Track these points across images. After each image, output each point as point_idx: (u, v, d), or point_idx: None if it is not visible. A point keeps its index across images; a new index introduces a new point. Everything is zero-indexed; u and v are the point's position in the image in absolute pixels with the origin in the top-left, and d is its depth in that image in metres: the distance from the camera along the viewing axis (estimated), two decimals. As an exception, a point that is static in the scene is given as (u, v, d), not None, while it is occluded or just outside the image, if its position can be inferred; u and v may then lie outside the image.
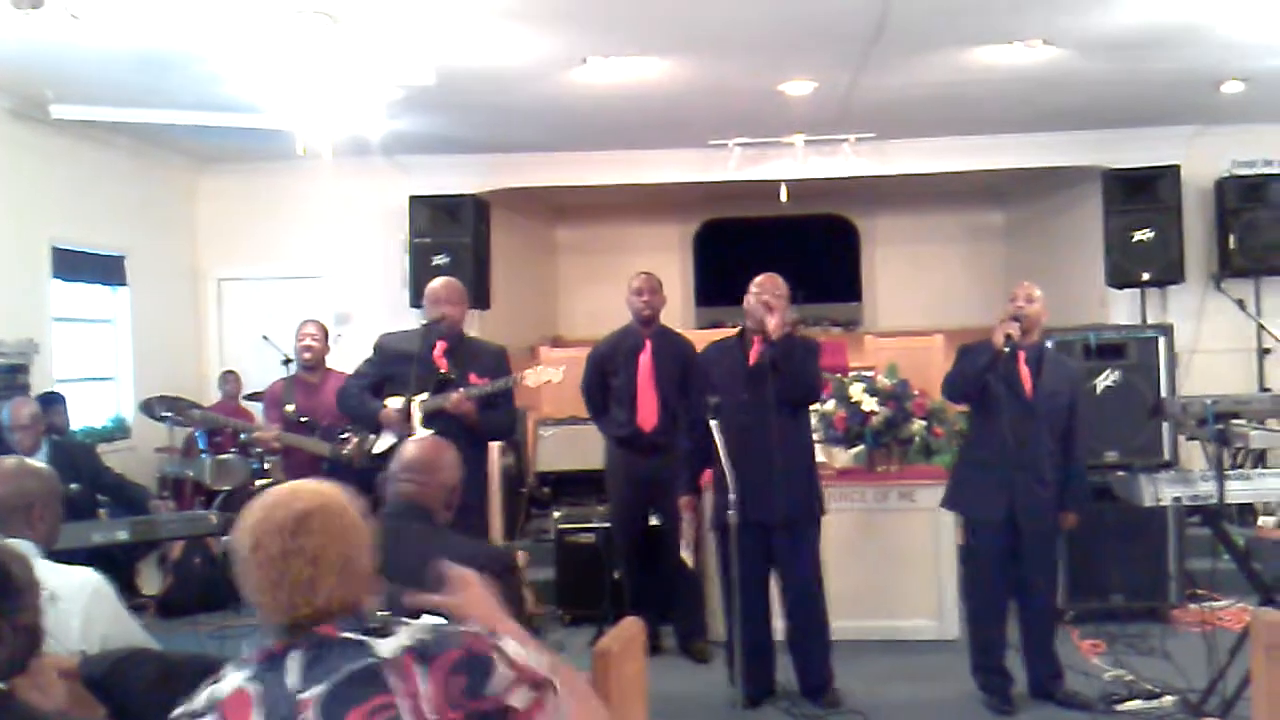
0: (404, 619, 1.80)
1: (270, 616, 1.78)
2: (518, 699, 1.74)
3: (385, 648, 1.73)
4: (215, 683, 1.78)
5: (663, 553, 5.79)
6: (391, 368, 4.98)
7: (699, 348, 5.83)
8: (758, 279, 4.98)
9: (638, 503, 5.78)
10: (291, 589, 1.75)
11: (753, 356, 4.90)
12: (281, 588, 1.75)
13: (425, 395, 4.82)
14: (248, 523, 1.81)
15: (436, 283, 5.13)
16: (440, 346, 4.96)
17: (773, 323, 4.78)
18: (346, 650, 1.72)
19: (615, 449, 5.84)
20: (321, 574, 1.75)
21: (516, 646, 1.79)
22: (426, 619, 1.81)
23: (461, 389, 4.78)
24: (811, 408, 5.33)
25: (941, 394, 5.30)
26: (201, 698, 1.77)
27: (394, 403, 4.86)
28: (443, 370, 4.90)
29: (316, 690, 1.69)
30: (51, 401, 6.65)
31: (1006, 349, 4.65)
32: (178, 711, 1.79)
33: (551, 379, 4.90)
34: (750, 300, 4.93)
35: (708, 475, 5.19)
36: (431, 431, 4.61)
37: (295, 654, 1.73)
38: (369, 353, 5.30)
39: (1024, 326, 4.73)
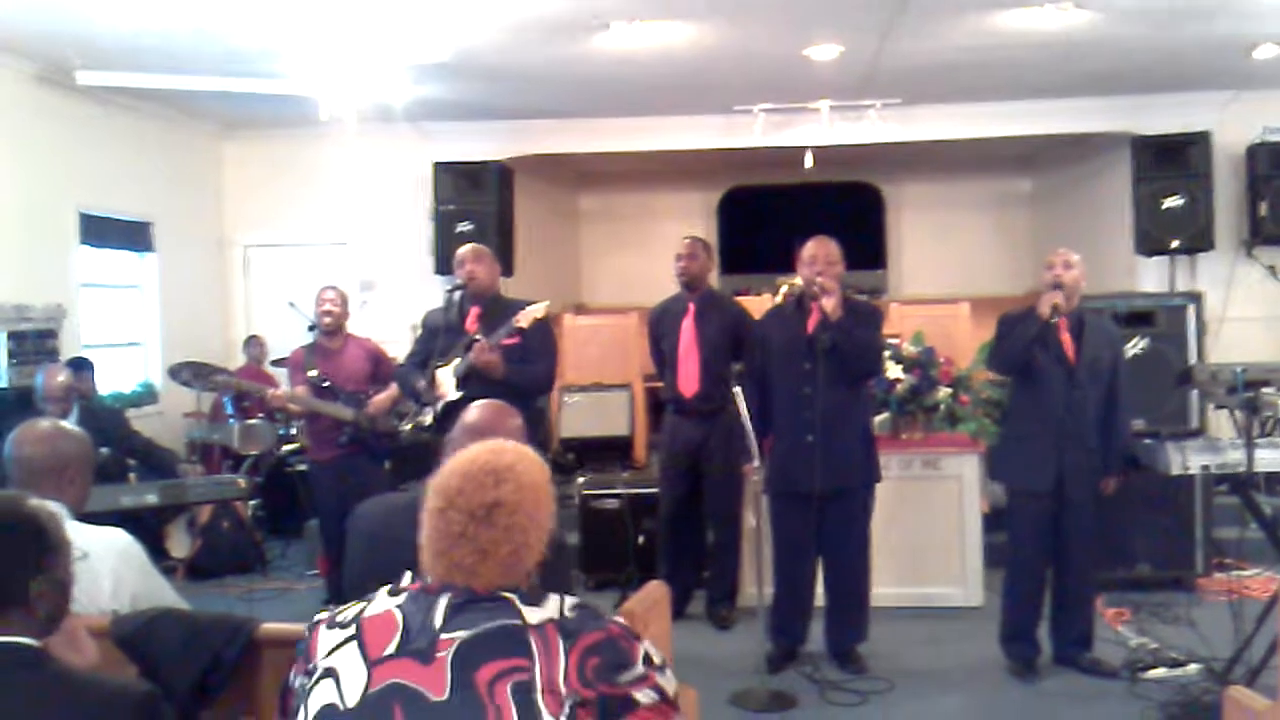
0: (554, 593, 1.83)
1: (425, 566, 1.82)
2: (644, 695, 1.77)
3: (533, 614, 1.76)
4: (369, 601, 1.83)
5: (700, 518, 5.83)
6: (435, 342, 4.99)
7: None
8: (809, 249, 4.87)
9: (680, 467, 5.79)
10: (452, 565, 1.79)
11: (810, 325, 4.84)
12: (444, 558, 1.79)
13: (458, 361, 4.84)
14: (446, 482, 1.83)
15: (463, 248, 5.17)
16: (474, 312, 4.97)
17: (830, 304, 4.70)
18: (495, 607, 1.76)
19: (669, 412, 5.90)
20: (485, 563, 1.78)
21: (658, 654, 1.83)
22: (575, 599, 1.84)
23: (480, 340, 4.79)
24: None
25: (988, 367, 5.28)
26: (350, 612, 1.82)
27: (442, 374, 4.88)
28: (470, 333, 4.91)
29: (459, 634, 1.73)
30: (79, 367, 6.70)
31: (1053, 319, 4.62)
32: (322, 615, 1.86)
33: (537, 314, 4.87)
34: (804, 274, 4.84)
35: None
36: (460, 395, 4.65)
37: (446, 595, 1.77)
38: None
39: (1065, 294, 4.69)
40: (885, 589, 5.64)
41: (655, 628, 2.46)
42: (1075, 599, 4.89)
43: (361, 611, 1.82)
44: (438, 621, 1.75)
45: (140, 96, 7.81)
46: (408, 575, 1.85)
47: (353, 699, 1.72)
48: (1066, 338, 4.72)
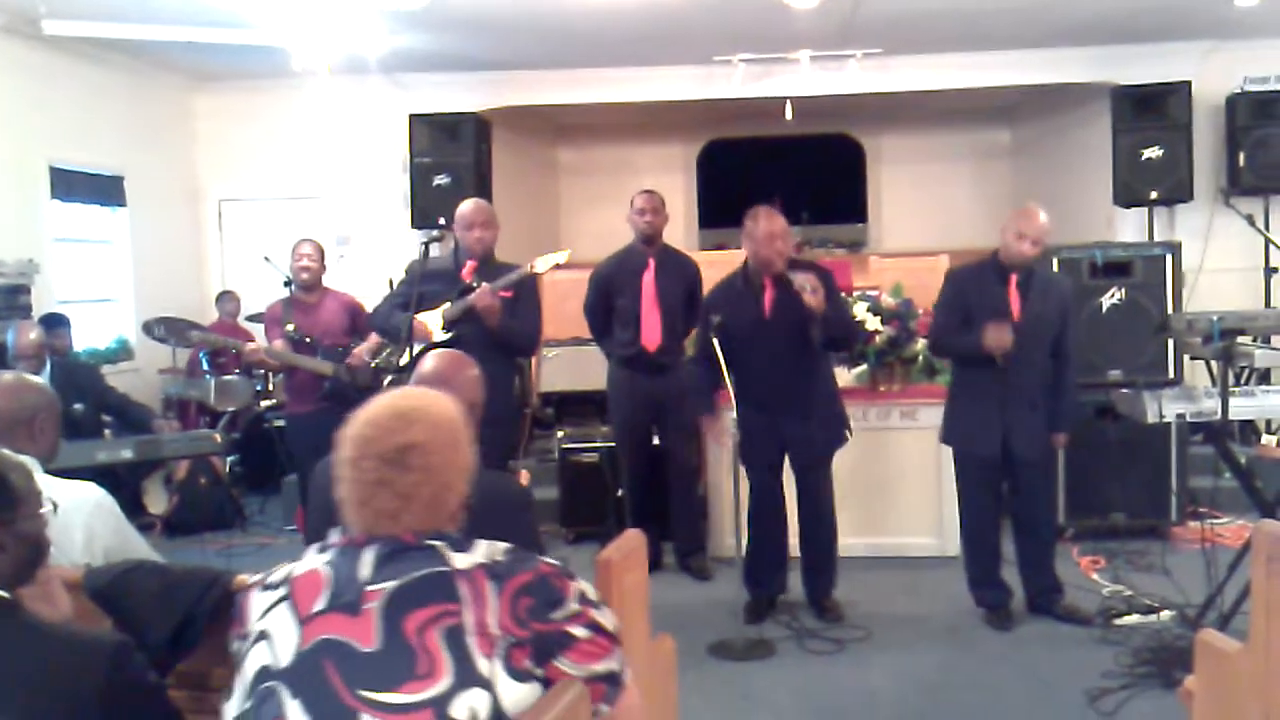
0: (481, 540, 1.82)
1: (349, 520, 1.81)
2: (579, 630, 1.77)
3: (461, 560, 1.75)
4: (297, 561, 1.83)
5: (665, 471, 5.83)
6: (422, 286, 4.94)
7: (702, 269, 5.84)
8: (765, 225, 4.76)
9: (641, 422, 5.80)
10: (375, 514, 1.78)
11: (767, 305, 4.81)
12: (366, 508, 1.78)
13: (449, 305, 4.82)
14: (355, 431, 1.82)
15: (468, 205, 5.09)
16: (470, 266, 4.94)
17: (816, 300, 4.60)
18: (422, 555, 1.75)
19: (619, 369, 5.84)
20: (408, 507, 1.77)
21: (594, 592, 1.82)
22: (503, 543, 1.82)
23: (485, 284, 4.75)
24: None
25: (929, 348, 5.32)
26: (280, 573, 1.82)
27: (426, 316, 4.84)
28: (466, 280, 4.87)
29: (385, 585, 1.72)
30: (55, 324, 6.64)
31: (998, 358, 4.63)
32: (254, 579, 1.86)
33: (558, 261, 4.87)
34: (764, 253, 4.76)
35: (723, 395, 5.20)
36: (449, 336, 4.63)
37: (372, 548, 1.76)
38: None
39: (1023, 261, 4.69)
40: (863, 539, 5.69)
41: (632, 576, 2.46)
42: (1037, 552, 4.96)
43: (291, 571, 1.81)
44: (364, 573, 1.73)
45: (109, 48, 7.68)
46: (335, 531, 1.84)
47: (285, 658, 1.72)
48: (1014, 294, 4.73)
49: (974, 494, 4.93)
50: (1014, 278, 4.71)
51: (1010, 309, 4.71)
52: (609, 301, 5.82)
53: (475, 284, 4.82)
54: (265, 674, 1.73)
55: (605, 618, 1.81)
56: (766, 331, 4.79)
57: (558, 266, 4.90)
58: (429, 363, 2.92)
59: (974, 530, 4.97)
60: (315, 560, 1.80)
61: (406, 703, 1.65)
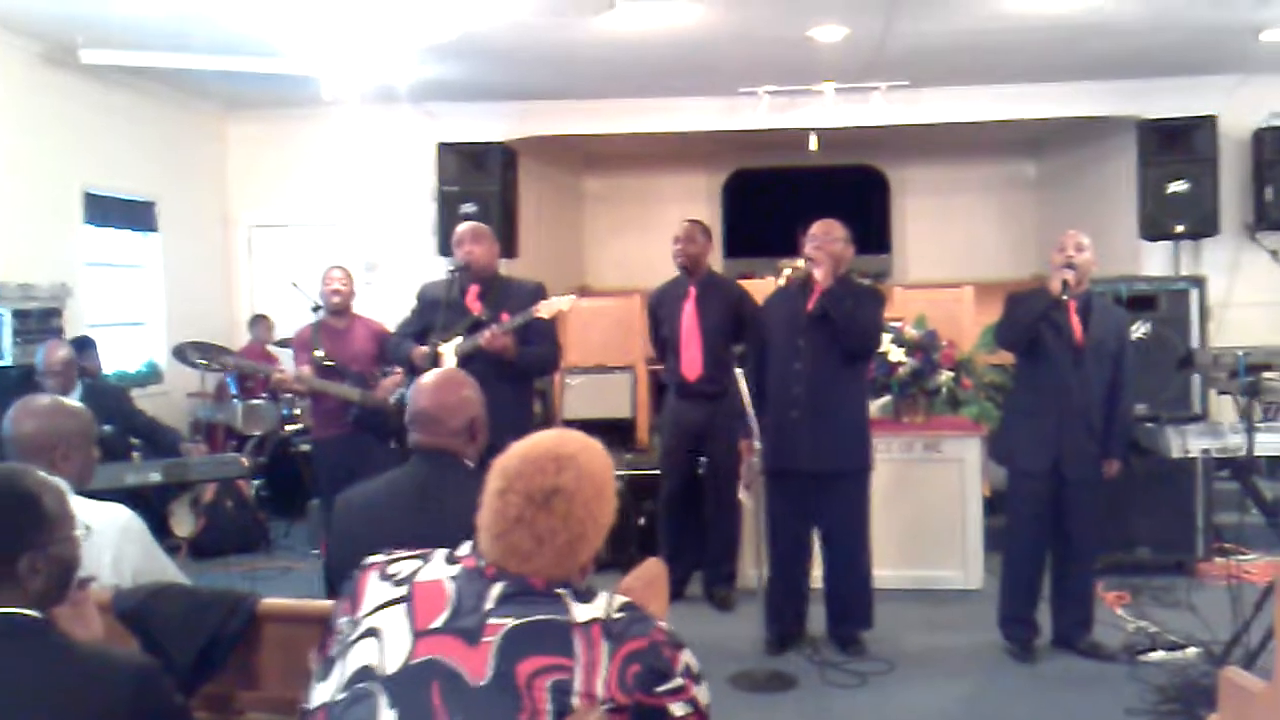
0: (603, 592, 1.82)
1: (481, 548, 1.82)
2: (678, 708, 1.76)
3: (581, 612, 1.75)
4: (424, 561, 1.85)
5: (703, 500, 5.84)
6: (431, 315, 5.00)
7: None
8: (812, 228, 4.95)
9: (683, 450, 5.81)
10: (508, 549, 1.79)
11: (810, 304, 4.89)
12: (501, 541, 1.79)
13: (460, 339, 4.85)
14: (508, 464, 1.84)
15: (461, 226, 5.18)
16: (473, 290, 4.98)
17: (820, 273, 4.80)
18: (545, 600, 1.76)
19: (670, 396, 5.91)
20: (541, 550, 1.78)
21: (697, 664, 1.81)
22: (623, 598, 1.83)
23: (494, 325, 4.80)
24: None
25: (995, 341, 5.30)
26: (404, 568, 1.84)
27: (443, 348, 4.87)
28: (475, 313, 4.92)
29: (508, 620, 1.72)
30: (84, 346, 6.71)
31: (1064, 296, 4.64)
32: (376, 559, 1.88)
33: (561, 308, 4.90)
34: (806, 250, 4.91)
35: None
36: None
37: (500, 584, 1.77)
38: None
39: (1076, 276, 4.70)
40: (886, 571, 5.65)
41: (653, 605, 2.47)
42: (1075, 582, 4.90)
43: (415, 573, 1.82)
44: (488, 605, 1.74)
45: (144, 76, 7.81)
46: (466, 545, 1.85)
47: (393, 666, 1.73)
48: (1074, 319, 4.73)
49: (1023, 521, 4.86)
50: (1072, 303, 4.72)
51: (1073, 332, 4.72)
52: (659, 330, 5.89)
53: (484, 315, 4.87)
54: (367, 674, 1.74)
55: (703, 694, 1.81)
56: (804, 328, 4.85)
57: (562, 310, 4.92)
58: (418, 399, 2.80)
59: (1018, 562, 4.89)
60: (442, 570, 1.82)
61: None
